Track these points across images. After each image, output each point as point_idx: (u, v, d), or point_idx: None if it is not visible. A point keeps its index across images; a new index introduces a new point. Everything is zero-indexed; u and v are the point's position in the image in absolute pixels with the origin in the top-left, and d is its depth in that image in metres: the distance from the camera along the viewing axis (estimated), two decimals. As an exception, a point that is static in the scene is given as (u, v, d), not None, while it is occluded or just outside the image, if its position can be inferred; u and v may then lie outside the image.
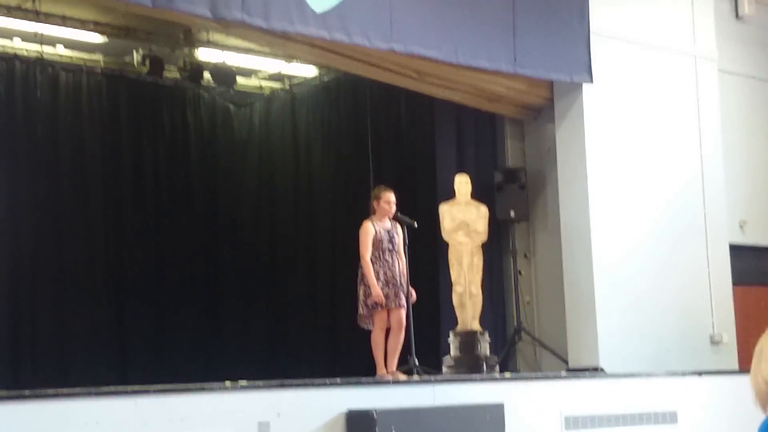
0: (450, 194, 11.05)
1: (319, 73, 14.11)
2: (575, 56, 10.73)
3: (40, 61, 12.80)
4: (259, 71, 14.56)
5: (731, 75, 12.33)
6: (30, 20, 11.84)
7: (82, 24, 12.25)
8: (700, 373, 10.07)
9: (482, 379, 9.09)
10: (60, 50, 13.05)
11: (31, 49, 12.72)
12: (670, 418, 9.57)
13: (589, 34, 10.81)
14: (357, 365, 11.18)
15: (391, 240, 9.06)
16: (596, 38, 10.88)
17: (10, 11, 11.56)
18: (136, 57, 13.46)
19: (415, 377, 8.61)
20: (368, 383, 8.04)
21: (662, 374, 9.94)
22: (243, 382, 7.34)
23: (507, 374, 10.45)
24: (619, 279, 10.73)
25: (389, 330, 9.07)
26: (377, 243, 9.00)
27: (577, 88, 10.87)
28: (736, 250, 11.90)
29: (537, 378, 9.52)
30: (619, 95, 11.10)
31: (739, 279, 11.88)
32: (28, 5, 11.63)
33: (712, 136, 11.80)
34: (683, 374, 9.99)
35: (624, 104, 11.13)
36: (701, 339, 11.25)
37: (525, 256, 11.80)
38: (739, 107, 12.43)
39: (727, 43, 12.24)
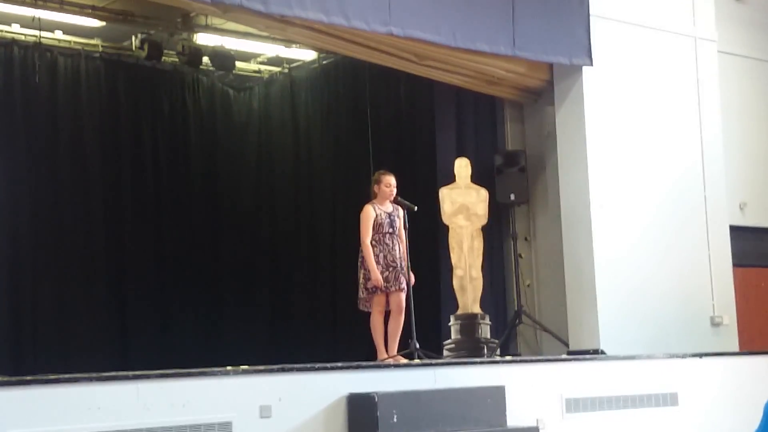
0: (450, 178, 11.05)
1: (318, 57, 14.05)
2: (575, 38, 10.70)
3: (38, 47, 12.75)
4: (258, 55, 14.52)
5: (731, 56, 12.30)
6: (28, 5, 11.80)
7: (80, 9, 12.20)
8: (700, 355, 10.08)
9: (483, 362, 9.10)
10: (58, 35, 13.00)
11: (29, 34, 12.67)
12: (671, 399, 9.59)
13: (589, 16, 10.79)
14: (358, 349, 11.19)
15: (391, 223, 9.05)
16: (596, 20, 10.85)
17: (8, -4, 11.54)
18: (135, 42, 13.42)
19: (416, 361, 8.61)
20: (369, 367, 8.05)
21: (663, 356, 9.95)
22: (244, 367, 7.34)
23: (508, 357, 10.46)
24: (620, 261, 10.73)
25: (389, 314, 9.07)
26: (378, 226, 9.00)
27: (577, 70, 10.84)
28: (736, 232, 11.90)
29: (538, 360, 9.52)
30: (619, 77, 11.08)
31: (739, 261, 11.88)
32: (27, -10, 11.62)
33: (712, 118, 11.79)
34: (684, 356, 10.00)
35: (624, 86, 11.11)
36: (702, 321, 11.25)
37: (525, 239, 11.79)
38: (739, 88, 12.41)
39: (726, 25, 12.21)
